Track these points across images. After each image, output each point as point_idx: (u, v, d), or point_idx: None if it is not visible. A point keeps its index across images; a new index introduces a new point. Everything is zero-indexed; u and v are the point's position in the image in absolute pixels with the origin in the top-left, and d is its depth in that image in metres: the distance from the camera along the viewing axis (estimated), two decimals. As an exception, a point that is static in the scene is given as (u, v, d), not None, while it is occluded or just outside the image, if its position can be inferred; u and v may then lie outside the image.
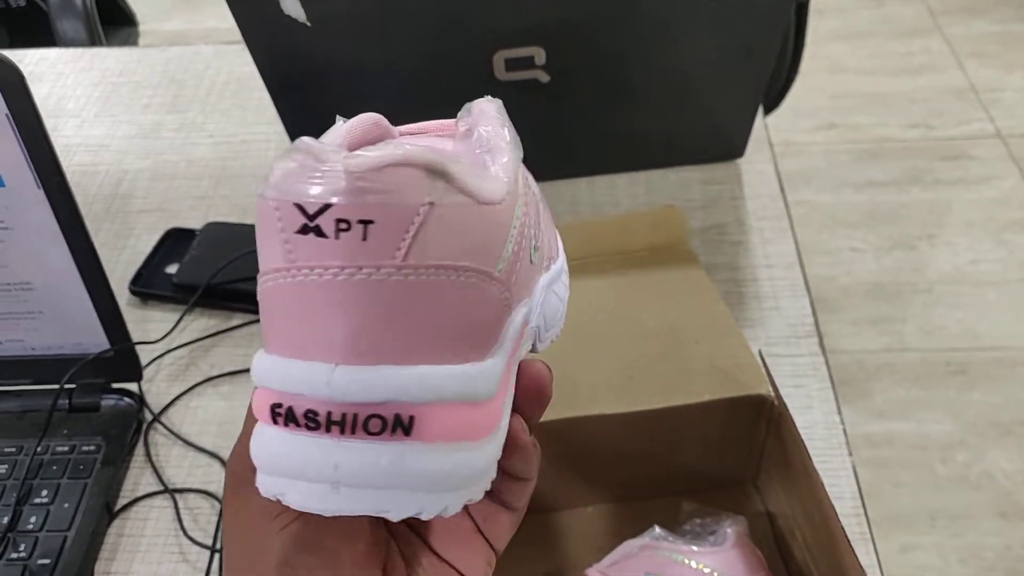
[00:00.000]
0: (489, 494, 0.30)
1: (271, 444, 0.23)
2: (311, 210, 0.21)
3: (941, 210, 1.73)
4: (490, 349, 0.25)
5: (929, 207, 1.74)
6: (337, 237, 0.21)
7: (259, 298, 0.24)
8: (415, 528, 0.31)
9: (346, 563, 0.27)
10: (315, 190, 0.21)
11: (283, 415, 0.23)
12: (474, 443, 0.24)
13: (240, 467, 0.27)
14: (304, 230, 0.22)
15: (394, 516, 0.23)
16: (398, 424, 0.22)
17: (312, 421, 0.22)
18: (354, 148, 0.28)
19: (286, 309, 0.23)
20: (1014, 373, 1.45)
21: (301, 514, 0.26)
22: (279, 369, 0.23)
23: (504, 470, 0.30)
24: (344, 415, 0.22)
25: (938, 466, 1.35)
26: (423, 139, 0.31)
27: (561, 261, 0.36)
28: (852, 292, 1.59)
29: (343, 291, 0.22)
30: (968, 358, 1.48)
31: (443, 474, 0.23)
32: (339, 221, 0.21)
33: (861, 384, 1.46)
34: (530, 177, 0.35)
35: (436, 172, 0.22)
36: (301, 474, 0.23)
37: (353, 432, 0.22)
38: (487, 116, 0.29)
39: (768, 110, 1.08)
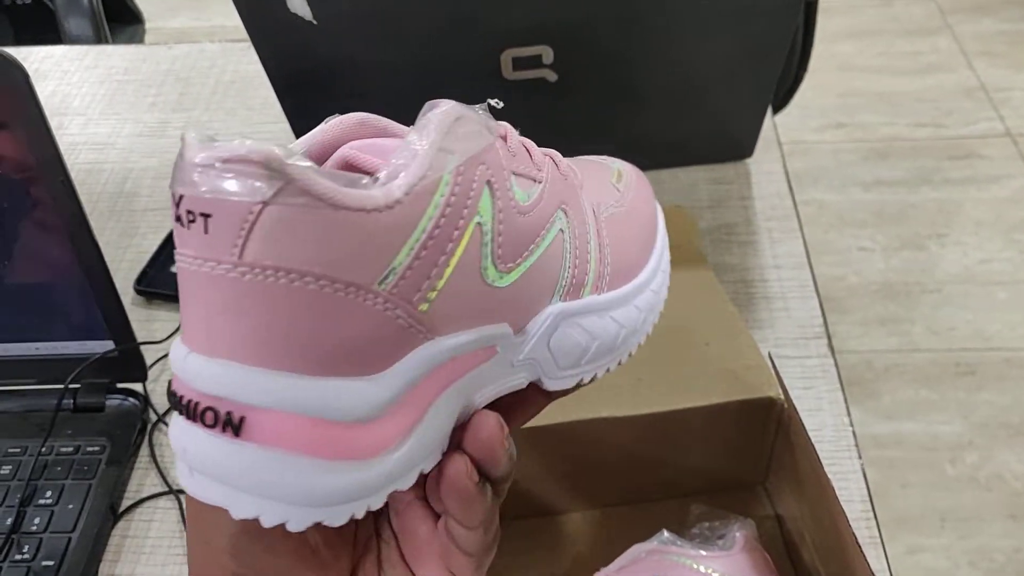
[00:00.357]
0: (446, 533, 0.29)
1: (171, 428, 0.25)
2: (175, 199, 0.23)
3: (950, 210, 1.72)
4: (376, 368, 0.24)
5: (938, 207, 1.73)
6: (188, 228, 0.23)
7: None
8: (396, 536, 0.31)
9: (283, 553, 0.27)
10: (176, 181, 0.23)
11: (173, 401, 0.24)
12: (333, 463, 0.23)
13: None
14: (176, 219, 0.23)
15: (234, 513, 0.23)
16: (228, 422, 0.23)
17: (173, 401, 0.24)
18: (329, 147, 0.28)
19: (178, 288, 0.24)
20: (1024, 374, 1.44)
21: None
22: (171, 353, 0.25)
23: (448, 513, 0.29)
24: (189, 401, 0.23)
25: (947, 467, 1.34)
26: (385, 143, 0.29)
27: (618, 296, 0.33)
28: (860, 292, 1.58)
29: (195, 280, 0.23)
30: (978, 359, 1.47)
31: (277, 484, 0.23)
32: (188, 212, 0.22)
33: (869, 385, 1.46)
34: (577, 200, 0.32)
35: (275, 171, 0.22)
36: (180, 455, 0.24)
37: (193, 420, 0.23)
38: (425, 118, 0.26)
39: (776, 109, 1.07)
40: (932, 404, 1.42)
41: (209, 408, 0.23)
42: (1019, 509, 1.28)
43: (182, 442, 0.23)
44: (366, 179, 0.24)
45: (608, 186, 0.36)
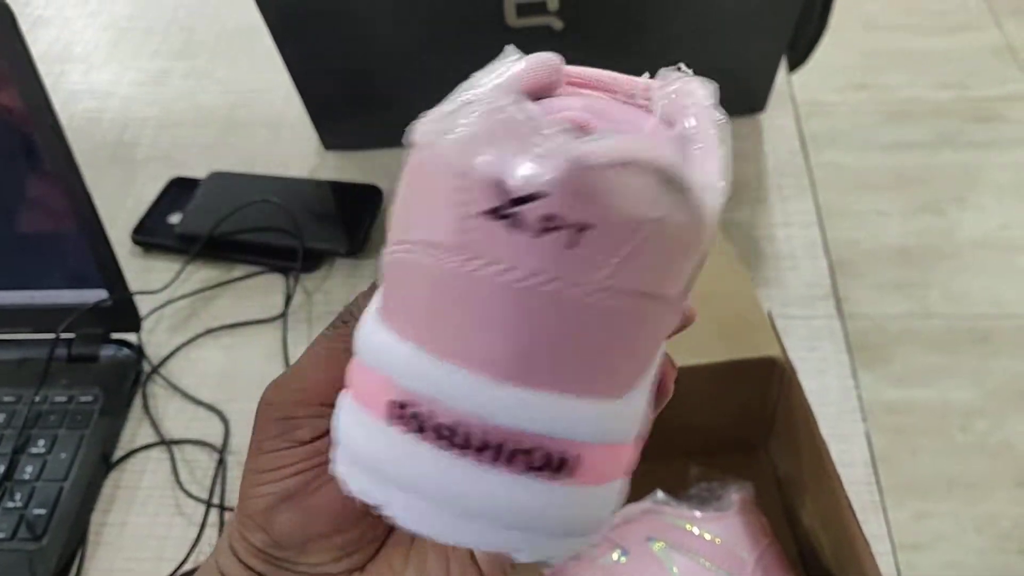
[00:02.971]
0: None
1: (382, 444, 0.20)
2: (516, 193, 0.17)
3: (971, 174, 1.68)
4: (645, 380, 0.21)
5: (959, 170, 1.69)
6: (538, 235, 0.17)
7: (394, 265, 0.20)
8: None
9: (313, 551, 0.26)
10: (526, 170, 0.17)
11: (407, 419, 0.19)
12: (609, 485, 0.21)
13: (282, 400, 0.26)
14: (496, 214, 0.17)
15: (524, 558, 0.20)
16: (550, 462, 0.19)
17: (446, 438, 0.19)
18: (534, 93, 0.22)
19: (441, 296, 0.19)
20: (1039, 341, 1.42)
21: (314, 477, 0.25)
22: (415, 363, 0.19)
23: None
24: (490, 441, 0.19)
25: (957, 434, 1.33)
26: (610, 106, 0.23)
27: None
28: (876, 256, 1.55)
29: (528, 299, 0.18)
30: (992, 325, 1.45)
31: (584, 519, 0.20)
32: (548, 218, 0.17)
33: (883, 349, 1.44)
34: None
35: (672, 183, 0.18)
36: (418, 490, 0.20)
37: (496, 461, 0.19)
38: (694, 103, 0.21)
39: (795, 65, 1.04)
40: (945, 370, 1.40)
41: (526, 449, 0.19)
42: (1029, 477, 1.27)
43: (462, 487, 0.19)
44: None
45: None
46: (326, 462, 0.24)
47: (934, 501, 1.26)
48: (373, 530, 0.27)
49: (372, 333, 0.20)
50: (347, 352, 0.23)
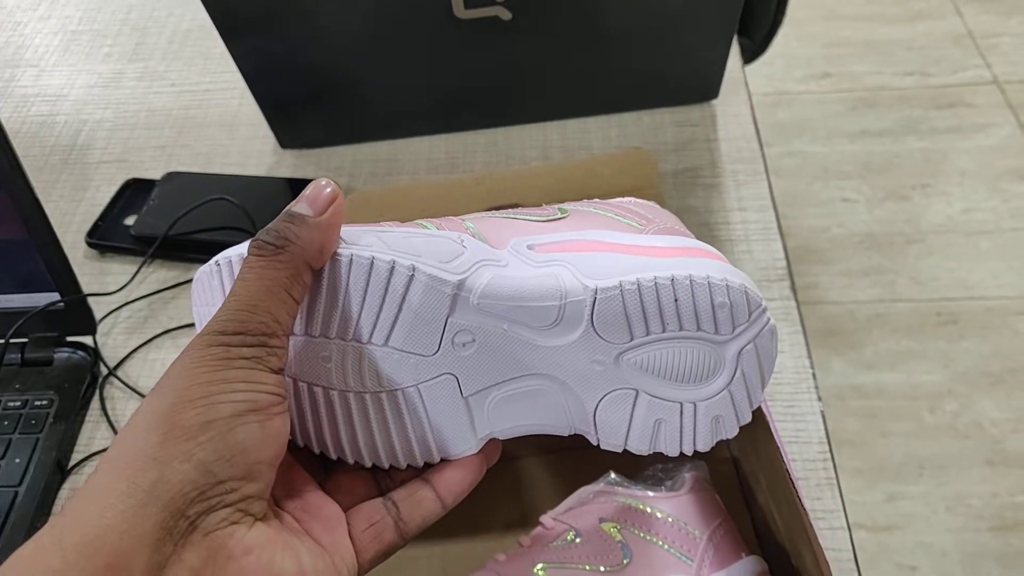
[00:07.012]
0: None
1: None
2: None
3: (936, 159, 1.70)
4: None
5: (924, 156, 1.71)
6: None
7: None
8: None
9: (256, 477, 0.27)
10: None
11: None
12: None
13: (250, 328, 0.27)
14: None
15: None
16: None
17: None
18: None
19: None
20: (1005, 323, 1.43)
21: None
22: None
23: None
24: None
25: (927, 416, 1.34)
26: None
27: None
28: (844, 243, 1.57)
29: None
30: (959, 308, 1.46)
31: None
32: None
33: (852, 335, 1.45)
34: None
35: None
36: None
37: None
38: None
39: (754, 56, 1.05)
40: (914, 354, 1.42)
41: None
42: (996, 455, 1.28)
43: None
44: None
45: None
46: (285, 397, 0.29)
47: (905, 483, 1.27)
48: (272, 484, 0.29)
49: None
50: (291, 281, 0.28)
